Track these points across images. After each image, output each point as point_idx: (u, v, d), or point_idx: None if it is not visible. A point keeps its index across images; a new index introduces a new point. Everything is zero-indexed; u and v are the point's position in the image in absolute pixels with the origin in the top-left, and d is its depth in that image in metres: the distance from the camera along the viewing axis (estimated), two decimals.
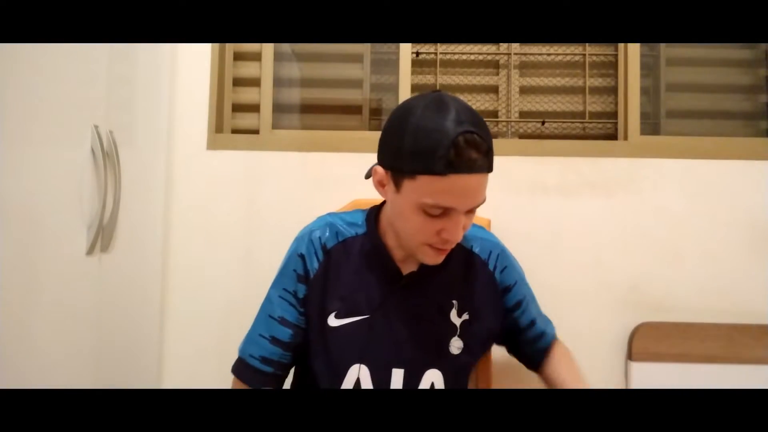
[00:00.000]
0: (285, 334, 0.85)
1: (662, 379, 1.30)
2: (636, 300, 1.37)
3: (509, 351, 1.01)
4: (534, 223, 1.39)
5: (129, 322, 1.19)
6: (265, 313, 0.87)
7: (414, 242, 0.78)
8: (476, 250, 0.93)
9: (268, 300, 0.88)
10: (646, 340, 1.32)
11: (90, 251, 0.97)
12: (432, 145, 0.70)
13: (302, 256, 0.86)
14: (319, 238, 0.87)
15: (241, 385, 0.87)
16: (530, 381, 1.03)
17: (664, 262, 1.37)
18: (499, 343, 1.00)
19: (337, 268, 0.86)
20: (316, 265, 0.86)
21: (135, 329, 1.23)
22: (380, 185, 0.82)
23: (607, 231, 1.39)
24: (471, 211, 0.77)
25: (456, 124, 0.71)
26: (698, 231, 1.38)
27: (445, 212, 0.74)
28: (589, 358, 1.36)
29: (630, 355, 1.33)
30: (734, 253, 1.37)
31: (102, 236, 1.00)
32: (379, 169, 0.80)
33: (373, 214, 0.90)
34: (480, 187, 0.75)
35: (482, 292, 0.91)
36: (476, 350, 0.90)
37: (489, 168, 0.75)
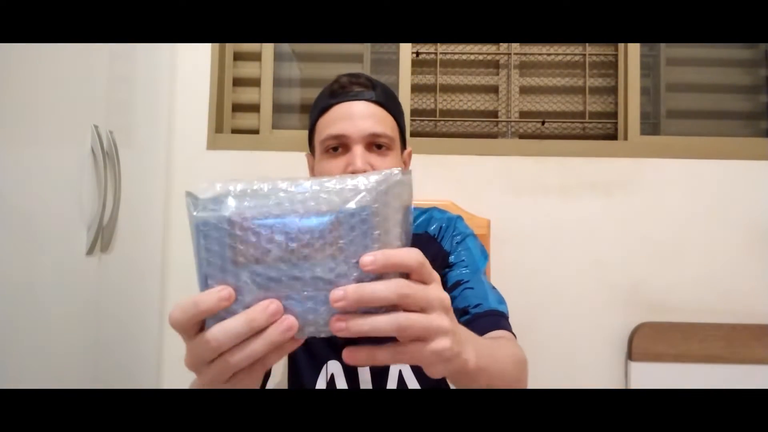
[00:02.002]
0: None
1: (662, 379, 1.30)
2: (636, 300, 1.37)
3: None
4: (534, 223, 1.39)
5: (129, 322, 1.19)
6: None
7: None
8: (429, 229, 0.90)
9: None
10: (646, 340, 1.32)
11: (90, 251, 0.97)
12: (322, 93, 0.82)
13: None
14: None
15: None
16: (530, 381, 1.03)
17: (664, 262, 1.37)
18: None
19: None
20: None
21: (135, 329, 1.23)
22: (311, 170, 0.87)
23: (607, 231, 1.39)
24: (378, 149, 0.79)
25: (342, 75, 0.82)
26: (698, 231, 1.38)
27: (344, 147, 0.78)
28: (589, 358, 1.37)
29: (630, 355, 1.33)
30: (734, 253, 1.37)
31: (102, 236, 1.00)
32: (307, 154, 0.87)
33: None
34: (367, 114, 0.78)
35: (432, 265, 0.89)
36: None
37: (376, 99, 0.79)
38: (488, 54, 1.54)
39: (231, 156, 1.43)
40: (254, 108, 1.53)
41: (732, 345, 1.30)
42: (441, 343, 0.35)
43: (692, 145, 1.42)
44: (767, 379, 1.28)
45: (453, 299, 0.81)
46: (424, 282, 0.35)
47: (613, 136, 1.50)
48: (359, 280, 0.33)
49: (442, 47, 1.52)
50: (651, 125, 1.54)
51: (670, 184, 1.39)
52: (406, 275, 0.35)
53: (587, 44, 1.51)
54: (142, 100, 1.23)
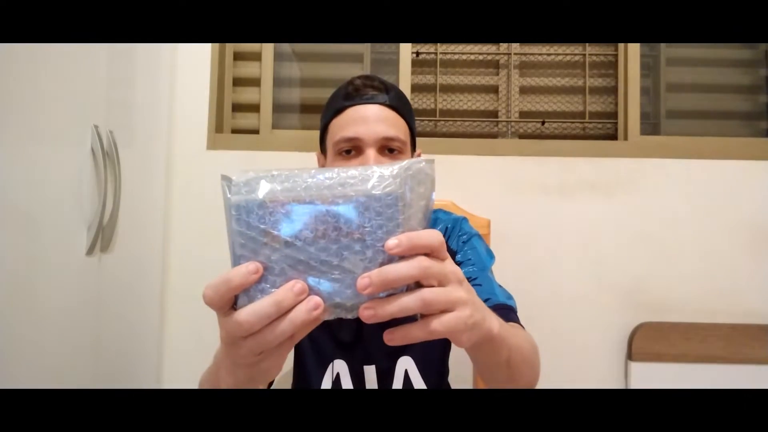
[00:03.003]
0: None
1: (662, 379, 1.30)
2: (636, 300, 1.37)
3: None
4: (534, 223, 1.39)
5: (129, 322, 1.19)
6: None
7: None
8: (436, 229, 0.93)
9: None
10: (646, 340, 1.32)
11: (90, 251, 0.97)
12: (335, 94, 0.82)
13: None
14: None
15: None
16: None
17: (664, 262, 1.37)
18: None
19: None
20: None
21: (135, 329, 1.23)
22: None
23: (607, 231, 1.39)
24: (390, 153, 0.79)
25: (356, 77, 0.82)
26: (698, 231, 1.38)
27: (357, 150, 0.78)
28: (589, 358, 1.37)
29: (630, 355, 1.33)
30: (734, 253, 1.37)
31: (102, 236, 1.00)
32: (318, 154, 0.88)
33: None
34: (381, 117, 0.79)
35: None
36: None
37: (390, 103, 0.80)
38: (488, 54, 1.54)
39: (231, 156, 1.43)
40: (254, 108, 1.53)
41: (732, 345, 1.30)
42: (465, 311, 0.37)
43: (692, 145, 1.42)
44: (767, 379, 1.28)
45: None
46: (440, 259, 0.37)
47: (613, 136, 1.50)
48: (384, 263, 0.35)
49: (442, 47, 1.52)
50: (651, 125, 1.54)
51: (670, 184, 1.39)
52: (425, 255, 0.36)
53: (587, 44, 1.51)
54: (142, 100, 1.23)
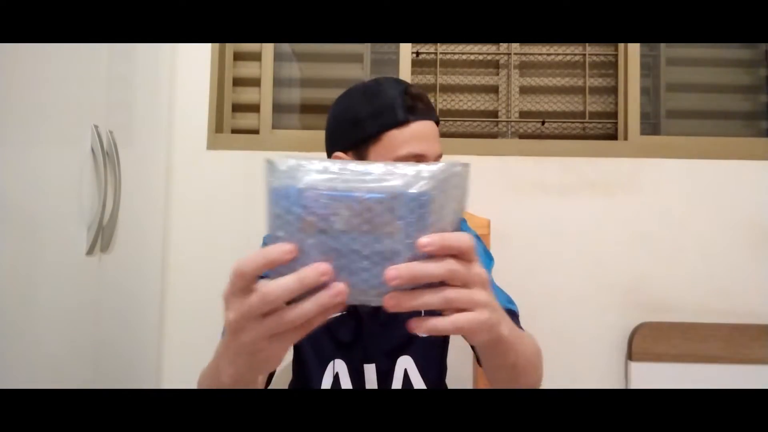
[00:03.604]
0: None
1: (662, 379, 1.30)
2: (636, 300, 1.37)
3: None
4: (534, 223, 1.39)
5: (129, 322, 1.19)
6: None
7: None
8: None
9: None
10: (646, 340, 1.32)
11: (90, 251, 0.97)
12: (388, 100, 0.79)
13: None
14: None
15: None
16: None
17: (664, 262, 1.37)
18: None
19: None
20: None
21: (135, 329, 1.23)
22: None
23: (607, 231, 1.39)
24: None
25: (395, 83, 0.81)
26: (698, 231, 1.38)
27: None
28: (589, 358, 1.37)
29: (630, 355, 1.33)
30: (734, 253, 1.37)
31: (102, 236, 1.00)
32: (341, 155, 0.83)
33: None
34: (437, 136, 0.82)
35: None
36: None
37: (437, 120, 0.83)
38: (488, 54, 1.54)
39: (231, 156, 1.43)
40: (254, 108, 1.53)
41: (732, 345, 1.30)
42: (483, 314, 0.39)
43: (692, 145, 1.42)
44: (767, 379, 1.28)
45: None
46: (468, 262, 0.39)
47: (613, 136, 1.50)
48: (412, 259, 0.36)
49: (442, 47, 1.52)
50: (651, 125, 1.54)
51: (670, 184, 1.39)
52: (453, 255, 0.38)
53: (587, 44, 1.51)
54: (142, 100, 1.23)
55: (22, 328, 0.81)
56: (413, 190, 0.36)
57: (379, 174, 0.37)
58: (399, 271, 0.36)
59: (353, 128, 0.81)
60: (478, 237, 0.93)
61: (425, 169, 0.37)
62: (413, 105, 0.79)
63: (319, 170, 0.37)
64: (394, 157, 0.78)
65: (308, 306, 0.36)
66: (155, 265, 1.34)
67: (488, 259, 0.90)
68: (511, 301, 0.83)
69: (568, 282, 1.39)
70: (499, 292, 0.84)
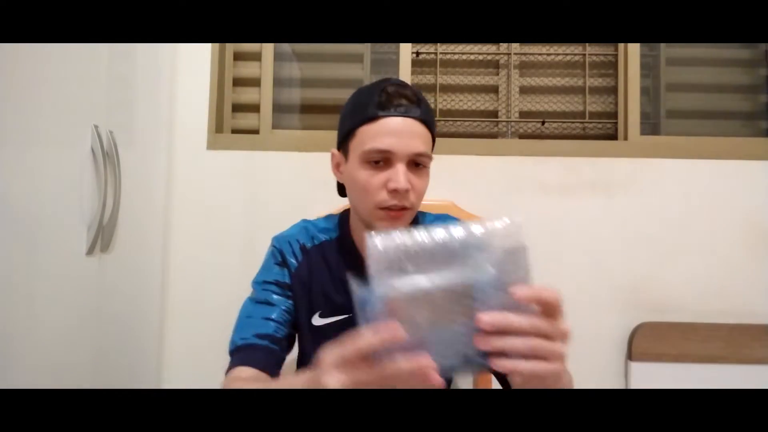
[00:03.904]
0: (272, 311, 0.84)
1: (662, 379, 1.30)
2: (636, 300, 1.37)
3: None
4: (534, 223, 1.39)
5: (129, 322, 1.19)
6: (250, 301, 0.86)
7: (366, 207, 0.79)
8: None
9: (252, 292, 0.87)
10: (646, 340, 1.32)
11: (90, 251, 0.97)
12: (364, 98, 0.80)
13: (281, 252, 0.88)
14: (297, 240, 0.89)
15: (234, 384, 0.84)
16: None
17: (664, 262, 1.37)
18: None
19: (318, 268, 0.87)
20: (295, 262, 0.87)
21: (135, 329, 1.23)
22: (337, 168, 0.86)
23: (607, 231, 1.39)
24: (416, 167, 0.79)
25: (384, 81, 0.81)
26: (698, 231, 1.38)
27: (386, 161, 0.78)
28: (589, 358, 1.37)
29: (630, 355, 1.33)
30: (734, 253, 1.37)
31: (102, 236, 1.00)
32: (335, 152, 0.86)
33: (345, 216, 0.91)
34: (414, 133, 0.78)
35: None
36: None
37: (422, 117, 0.79)
38: (488, 54, 1.54)
39: (231, 156, 1.43)
40: (254, 108, 1.52)
41: (732, 345, 1.30)
42: (558, 366, 0.44)
43: (692, 145, 1.42)
44: (767, 379, 1.28)
45: None
46: (554, 315, 0.45)
47: (613, 136, 1.50)
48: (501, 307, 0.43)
49: (442, 47, 1.52)
50: (651, 125, 1.54)
51: (670, 184, 1.39)
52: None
53: (587, 44, 1.51)
54: (142, 100, 1.23)
55: (22, 327, 0.81)
56: (487, 272, 0.42)
57: (453, 256, 0.43)
58: (492, 318, 0.42)
59: (341, 126, 0.84)
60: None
61: (499, 227, 0.46)
62: (385, 101, 0.78)
63: (399, 270, 0.42)
64: (362, 152, 0.78)
65: (389, 366, 0.42)
66: (155, 265, 1.34)
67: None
68: None
69: (568, 282, 1.39)
70: None
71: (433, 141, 0.85)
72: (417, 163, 0.79)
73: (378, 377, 0.43)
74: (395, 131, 0.77)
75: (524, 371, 0.43)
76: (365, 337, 0.44)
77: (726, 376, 1.29)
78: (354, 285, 0.43)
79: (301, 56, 1.57)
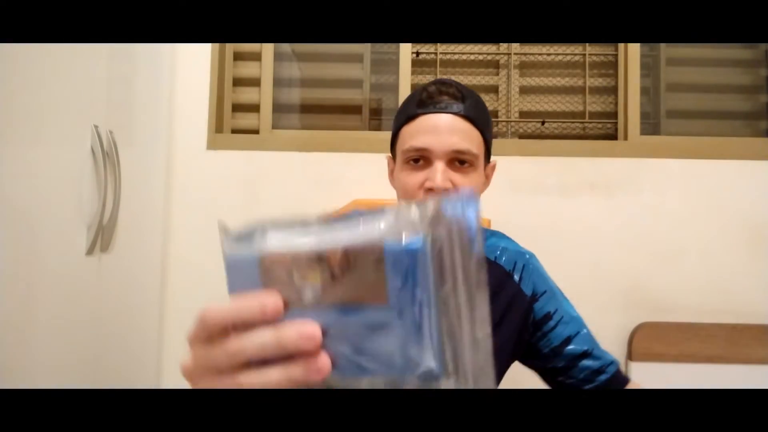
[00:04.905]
0: None
1: (662, 379, 1.30)
2: (636, 300, 1.37)
3: (551, 381, 0.89)
4: (534, 223, 1.39)
5: (129, 322, 1.19)
6: None
7: None
8: (501, 261, 0.86)
9: None
10: (646, 340, 1.32)
11: (90, 251, 0.97)
12: (410, 98, 0.78)
13: None
14: None
15: None
16: (530, 381, 1.03)
17: (664, 262, 1.37)
18: (531, 365, 0.90)
19: None
20: None
21: (135, 329, 1.23)
22: (391, 174, 0.83)
23: (607, 231, 1.39)
24: (461, 165, 0.75)
25: (435, 81, 0.78)
26: (698, 231, 1.38)
27: (425, 161, 0.74)
28: None
29: (630, 355, 1.33)
30: (734, 253, 1.37)
31: (102, 236, 1.00)
32: (389, 158, 0.83)
33: None
34: (454, 129, 0.74)
35: (505, 305, 0.83)
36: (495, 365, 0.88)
37: (465, 113, 0.75)
38: (488, 54, 1.54)
39: (231, 156, 1.43)
40: (254, 108, 1.53)
41: (732, 345, 1.30)
42: None
43: (692, 145, 1.42)
44: (767, 379, 1.28)
45: (584, 360, 0.87)
46: None
47: (613, 136, 1.50)
48: (403, 331, 0.28)
49: (442, 47, 1.52)
50: (651, 125, 1.54)
51: (670, 184, 1.39)
52: None
53: (587, 44, 1.51)
54: (142, 100, 1.23)
55: (22, 327, 0.81)
56: (398, 240, 0.27)
57: (353, 225, 0.29)
58: None
59: (392, 131, 0.82)
60: (531, 258, 0.88)
61: (407, 213, 0.28)
62: (425, 99, 0.76)
63: (281, 229, 0.30)
64: (402, 152, 0.76)
65: (275, 375, 0.29)
66: (155, 265, 1.34)
67: (551, 285, 0.88)
68: (605, 353, 0.88)
69: (568, 282, 1.38)
70: (593, 346, 0.88)
71: (488, 142, 0.80)
72: (462, 161, 0.74)
73: (230, 365, 0.30)
74: (433, 128, 0.74)
75: None
76: (228, 308, 0.31)
77: (726, 376, 1.29)
78: (224, 238, 0.31)
79: (301, 56, 1.57)
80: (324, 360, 0.28)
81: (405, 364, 0.29)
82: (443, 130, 0.74)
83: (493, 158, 0.85)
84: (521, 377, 1.15)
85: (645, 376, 1.31)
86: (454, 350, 0.29)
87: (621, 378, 0.86)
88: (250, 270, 0.30)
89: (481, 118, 0.78)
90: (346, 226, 0.29)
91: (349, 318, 0.28)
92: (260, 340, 0.29)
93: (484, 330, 0.29)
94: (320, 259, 0.29)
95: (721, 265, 1.37)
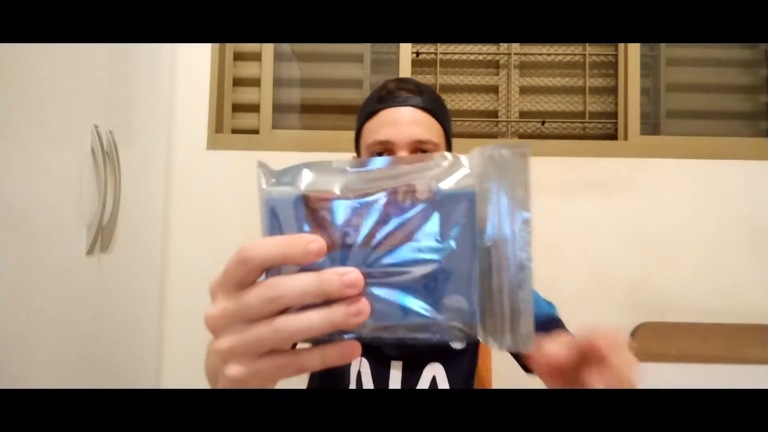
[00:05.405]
0: None
1: (662, 379, 1.30)
2: (636, 300, 1.37)
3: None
4: (534, 222, 1.39)
5: (129, 322, 1.19)
6: None
7: None
8: None
9: None
10: (646, 340, 1.32)
11: (90, 251, 0.97)
12: (369, 97, 0.81)
13: None
14: None
15: None
16: (530, 381, 1.03)
17: (664, 262, 1.37)
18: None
19: None
20: None
21: (135, 329, 1.23)
22: None
23: (607, 231, 1.39)
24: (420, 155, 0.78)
25: (391, 79, 0.81)
26: (698, 231, 1.38)
27: (389, 153, 0.77)
28: None
29: None
30: (735, 253, 1.37)
31: (102, 236, 1.00)
32: (354, 158, 0.85)
33: None
34: (414, 120, 0.77)
35: None
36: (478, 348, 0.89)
37: (423, 105, 0.78)
38: (488, 54, 1.54)
39: (231, 156, 1.43)
40: (254, 108, 1.53)
41: (732, 345, 1.30)
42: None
43: (692, 145, 1.42)
44: (767, 379, 1.28)
45: None
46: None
47: (613, 136, 1.50)
48: (453, 278, 0.28)
49: (442, 47, 1.52)
50: (651, 125, 1.54)
51: (670, 184, 1.39)
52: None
53: (587, 44, 1.51)
54: (142, 100, 1.23)
55: (22, 328, 0.81)
56: (448, 186, 0.27)
57: (402, 171, 0.28)
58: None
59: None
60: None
61: (459, 157, 0.28)
62: (385, 95, 0.79)
63: (325, 170, 0.29)
64: (365, 148, 0.78)
65: (316, 319, 0.27)
66: (155, 265, 1.34)
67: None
68: (552, 306, 0.86)
69: (568, 282, 1.39)
70: (540, 299, 0.87)
71: (447, 132, 0.82)
72: (424, 151, 0.77)
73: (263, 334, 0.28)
74: (393, 121, 0.77)
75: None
76: (272, 244, 0.28)
77: (726, 376, 1.29)
78: (262, 176, 0.30)
79: (301, 56, 1.57)
80: (364, 305, 0.27)
81: (444, 310, 0.28)
82: (403, 122, 0.76)
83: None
84: (521, 377, 1.15)
85: (645, 376, 1.31)
86: (494, 301, 0.28)
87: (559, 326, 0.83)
88: (292, 210, 0.28)
89: (439, 110, 0.80)
90: (395, 169, 0.28)
91: (392, 262, 0.27)
92: (302, 285, 0.27)
93: (526, 287, 0.28)
94: (367, 201, 0.28)
95: (722, 265, 1.37)
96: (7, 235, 0.77)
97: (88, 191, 0.97)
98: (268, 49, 1.52)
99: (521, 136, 1.54)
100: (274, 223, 0.29)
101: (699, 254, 1.37)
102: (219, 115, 1.48)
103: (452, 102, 1.53)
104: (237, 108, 1.53)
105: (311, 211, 0.28)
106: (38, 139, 0.84)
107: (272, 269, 0.28)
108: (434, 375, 0.83)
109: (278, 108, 1.54)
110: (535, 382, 1.03)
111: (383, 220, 0.28)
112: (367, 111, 0.81)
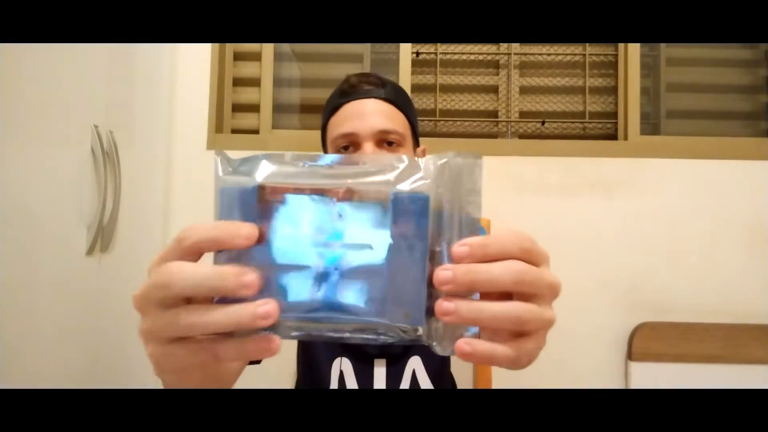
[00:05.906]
0: None
1: (662, 379, 1.30)
2: (636, 300, 1.37)
3: None
4: (534, 222, 1.39)
5: (129, 322, 1.19)
6: None
7: None
8: None
9: None
10: (646, 340, 1.32)
11: (90, 251, 0.97)
12: (332, 94, 0.82)
13: None
14: None
15: None
16: (531, 381, 1.03)
17: (664, 262, 1.37)
18: None
19: None
20: None
21: (135, 329, 1.23)
22: None
23: (607, 231, 1.39)
24: (390, 146, 0.78)
25: (352, 75, 0.82)
26: (698, 231, 1.38)
27: (355, 146, 0.77)
28: (589, 358, 1.37)
29: (630, 355, 1.33)
30: (734, 253, 1.37)
31: (102, 236, 1.00)
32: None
33: None
34: (377, 111, 0.78)
35: None
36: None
37: (386, 96, 0.79)
38: (488, 54, 1.54)
39: (231, 156, 1.43)
40: (254, 108, 1.53)
41: (732, 345, 1.30)
42: (542, 341, 0.30)
43: (692, 145, 1.42)
44: (767, 379, 1.28)
45: None
46: (534, 264, 0.30)
47: (613, 136, 1.50)
48: (406, 269, 0.28)
49: (442, 47, 1.52)
50: (651, 125, 1.54)
51: (670, 184, 1.39)
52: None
53: (587, 44, 1.51)
54: (142, 100, 1.23)
55: (21, 327, 0.81)
56: (405, 186, 0.28)
57: (364, 167, 0.28)
58: (455, 272, 0.27)
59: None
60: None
61: (417, 161, 0.29)
62: (347, 89, 0.80)
63: (284, 162, 0.29)
64: (331, 142, 0.79)
65: (219, 316, 0.27)
66: None
67: None
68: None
69: (568, 282, 1.38)
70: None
71: (413, 123, 0.83)
72: (389, 142, 0.78)
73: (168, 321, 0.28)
74: (357, 113, 0.78)
75: (507, 360, 0.28)
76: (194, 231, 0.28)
77: (726, 376, 1.29)
78: (218, 164, 0.30)
79: (301, 56, 1.57)
80: (272, 308, 0.27)
81: (390, 312, 0.28)
82: (367, 113, 0.77)
83: (422, 145, 0.89)
84: (522, 377, 1.15)
85: (645, 376, 1.31)
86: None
87: None
88: (244, 199, 0.29)
89: (402, 101, 0.82)
90: (351, 167, 0.29)
91: (343, 258, 0.28)
92: (194, 277, 0.28)
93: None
94: (323, 195, 0.28)
95: (721, 265, 1.37)
96: (7, 235, 0.77)
97: (88, 191, 0.97)
98: (268, 49, 1.52)
99: (521, 136, 1.54)
100: (225, 212, 0.29)
101: (699, 254, 1.37)
102: (219, 115, 1.48)
103: (452, 102, 1.54)
104: (237, 108, 1.53)
105: (264, 202, 0.28)
106: (38, 139, 0.84)
107: (218, 256, 0.29)
108: (414, 369, 0.83)
109: (278, 108, 1.54)
110: (535, 383, 1.03)
111: (335, 217, 0.28)
112: (330, 106, 0.81)
